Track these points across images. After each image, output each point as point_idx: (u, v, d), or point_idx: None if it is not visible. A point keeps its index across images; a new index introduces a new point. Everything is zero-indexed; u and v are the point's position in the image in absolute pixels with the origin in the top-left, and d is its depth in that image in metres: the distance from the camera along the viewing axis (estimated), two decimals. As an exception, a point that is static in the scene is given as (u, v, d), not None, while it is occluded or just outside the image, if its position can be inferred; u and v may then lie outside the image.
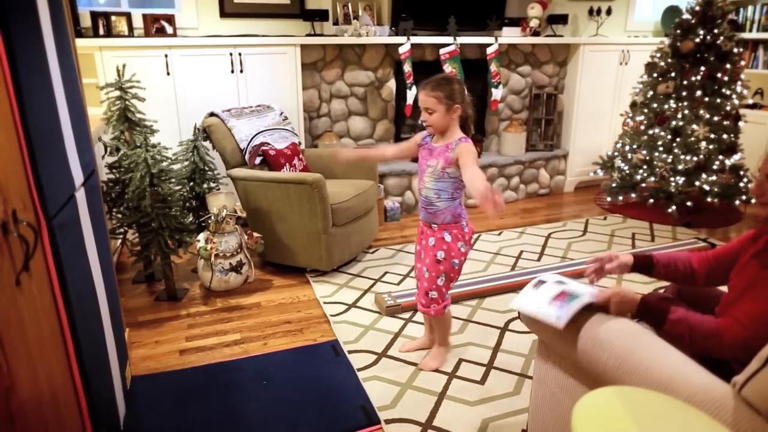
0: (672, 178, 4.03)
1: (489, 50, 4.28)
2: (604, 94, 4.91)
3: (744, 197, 4.02)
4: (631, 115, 4.43)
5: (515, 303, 1.61)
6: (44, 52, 1.43)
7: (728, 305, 1.51)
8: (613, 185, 4.45)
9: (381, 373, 2.29)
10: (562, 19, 4.65)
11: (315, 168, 3.60)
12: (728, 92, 4.04)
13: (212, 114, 3.35)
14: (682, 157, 4.00)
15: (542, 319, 1.51)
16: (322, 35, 4.07)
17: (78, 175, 1.64)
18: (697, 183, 3.99)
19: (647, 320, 1.46)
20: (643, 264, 1.74)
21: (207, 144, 3.28)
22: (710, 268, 1.68)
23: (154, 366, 2.35)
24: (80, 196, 1.64)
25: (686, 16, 4.14)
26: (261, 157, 3.36)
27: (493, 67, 4.32)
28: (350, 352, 2.44)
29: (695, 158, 3.97)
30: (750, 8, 4.96)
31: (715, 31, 3.99)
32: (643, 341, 1.37)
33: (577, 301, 1.47)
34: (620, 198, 4.43)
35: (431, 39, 4.17)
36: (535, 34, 4.55)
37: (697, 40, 4.01)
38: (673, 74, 4.14)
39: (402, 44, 3.96)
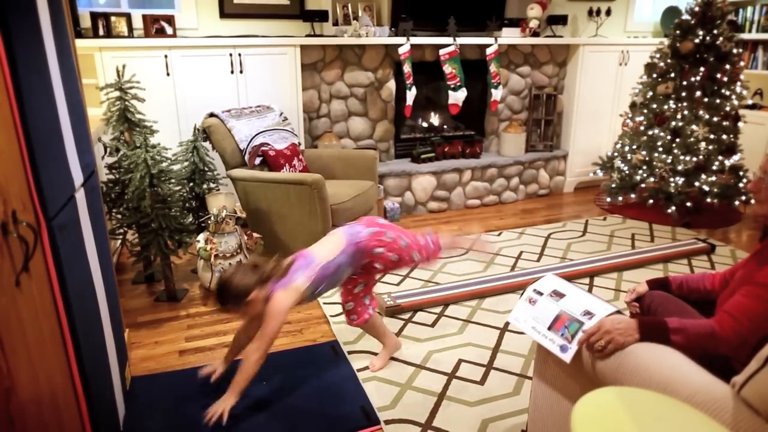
0: (671, 179, 4.03)
1: (489, 51, 4.28)
2: (603, 94, 4.92)
3: (744, 197, 4.03)
4: (630, 115, 4.43)
5: (512, 319, 1.62)
6: (44, 52, 1.43)
7: (724, 301, 1.52)
8: (613, 186, 4.45)
9: (381, 374, 2.28)
10: (561, 20, 4.65)
11: (315, 168, 3.60)
12: (728, 93, 4.04)
13: (212, 114, 3.35)
14: (682, 157, 4.00)
15: (545, 347, 1.51)
16: (321, 36, 4.07)
17: (78, 176, 1.64)
18: (697, 183, 4.00)
19: (653, 340, 1.40)
20: (659, 285, 1.81)
21: (207, 144, 3.28)
22: (725, 283, 1.70)
23: (153, 366, 2.35)
24: (80, 196, 1.64)
25: (686, 16, 4.14)
26: (261, 158, 3.37)
27: (492, 68, 4.32)
28: (350, 352, 2.44)
29: (695, 159, 3.97)
30: (749, 9, 4.97)
31: (715, 31, 4.00)
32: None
33: (580, 332, 1.46)
34: (620, 198, 4.43)
35: (431, 39, 4.17)
36: (535, 34, 4.55)
37: (697, 40, 4.01)
38: (672, 75, 4.14)
39: (402, 45, 3.96)
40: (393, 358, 2.39)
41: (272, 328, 1.87)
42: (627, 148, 4.36)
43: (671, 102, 4.11)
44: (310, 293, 1.97)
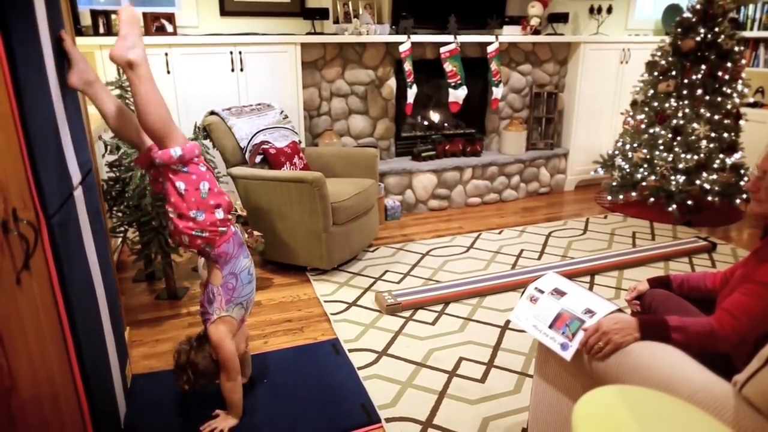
0: (672, 177, 4.02)
1: (489, 49, 4.28)
2: (604, 92, 4.91)
3: (744, 196, 4.02)
4: (631, 113, 4.43)
5: (513, 317, 1.62)
6: (41, 50, 1.43)
7: (724, 300, 1.52)
8: (614, 184, 4.45)
9: (381, 372, 2.29)
10: (562, 18, 4.64)
11: (315, 167, 3.60)
12: (729, 91, 4.03)
13: (212, 113, 3.35)
14: (683, 155, 4.00)
15: (546, 345, 1.51)
16: (322, 34, 4.06)
17: (75, 174, 1.63)
18: (698, 182, 3.99)
19: (653, 338, 1.40)
20: (660, 284, 1.81)
21: (207, 143, 3.28)
22: (726, 281, 1.69)
23: (154, 364, 2.35)
24: (78, 195, 1.64)
25: (687, 14, 4.13)
26: (261, 156, 3.36)
27: (493, 66, 4.31)
28: (350, 350, 2.44)
29: (696, 157, 3.97)
30: (751, 7, 4.95)
31: (716, 29, 3.99)
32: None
33: (581, 330, 1.46)
34: (621, 197, 4.42)
35: (432, 37, 4.16)
36: (536, 32, 4.54)
37: (698, 38, 4.01)
38: (673, 73, 4.13)
39: (402, 43, 3.95)
40: (394, 357, 2.39)
41: (224, 355, 1.89)
42: (628, 147, 4.36)
43: (672, 100, 4.10)
44: (237, 305, 1.93)
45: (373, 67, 4.21)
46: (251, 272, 1.98)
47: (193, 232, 1.77)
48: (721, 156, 4.00)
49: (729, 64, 4.02)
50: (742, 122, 4.10)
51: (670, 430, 1.04)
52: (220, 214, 1.80)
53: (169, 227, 1.82)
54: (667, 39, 4.24)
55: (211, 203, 1.77)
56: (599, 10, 4.88)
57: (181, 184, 1.72)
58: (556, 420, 1.62)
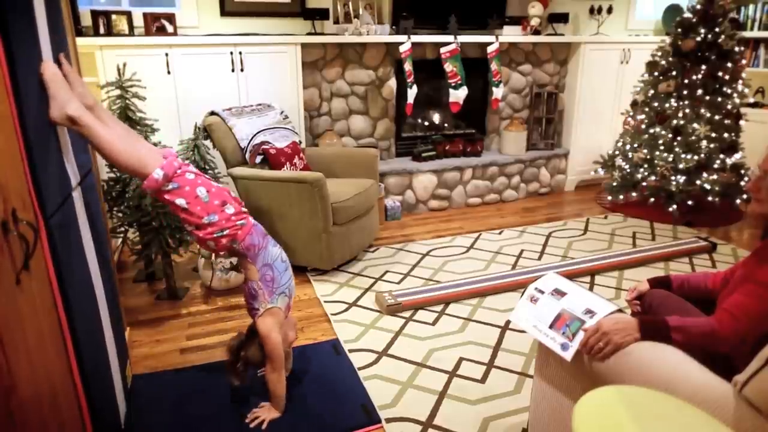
0: (673, 177, 4.02)
1: (490, 49, 4.28)
2: (605, 92, 4.91)
3: (745, 196, 4.02)
4: (632, 113, 4.43)
5: (513, 318, 1.62)
6: (41, 51, 1.43)
7: (724, 300, 1.52)
8: (614, 184, 4.45)
9: (382, 372, 2.29)
10: (563, 18, 4.64)
11: (316, 167, 3.60)
12: (729, 91, 4.03)
13: (213, 113, 3.35)
14: (683, 155, 4.00)
15: (546, 345, 1.51)
16: (322, 34, 4.07)
17: (74, 175, 1.64)
18: (698, 182, 3.99)
19: (653, 339, 1.40)
20: (660, 284, 1.80)
21: (207, 143, 3.28)
22: (726, 282, 1.69)
23: (154, 365, 2.35)
24: (77, 195, 1.64)
25: (687, 14, 4.13)
26: (261, 156, 3.36)
27: (493, 66, 4.31)
28: (351, 351, 2.44)
29: (696, 157, 3.97)
30: (751, 7, 4.95)
31: (717, 29, 3.99)
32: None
33: (581, 331, 1.46)
34: (621, 197, 4.42)
35: (432, 38, 4.16)
36: (536, 32, 4.54)
37: (699, 38, 4.00)
38: (674, 73, 4.13)
39: (403, 43, 3.95)
40: (394, 357, 2.39)
41: (270, 345, 1.94)
42: (628, 147, 4.35)
43: (672, 100, 4.10)
44: (280, 295, 1.98)
45: (374, 67, 4.21)
46: (284, 259, 2.03)
47: (215, 235, 1.83)
48: (721, 156, 4.00)
49: (729, 65, 4.02)
50: (742, 122, 4.10)
51: (670, 430, 1.04)
52: (230, 209, 1.86)
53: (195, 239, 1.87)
54: (668, 39, 4.24)
55: (216, 203, 1.82)
56: (599, 10, 4.88)
57: (181, 201, 1.76)
58: (557, 420, 1.62)
